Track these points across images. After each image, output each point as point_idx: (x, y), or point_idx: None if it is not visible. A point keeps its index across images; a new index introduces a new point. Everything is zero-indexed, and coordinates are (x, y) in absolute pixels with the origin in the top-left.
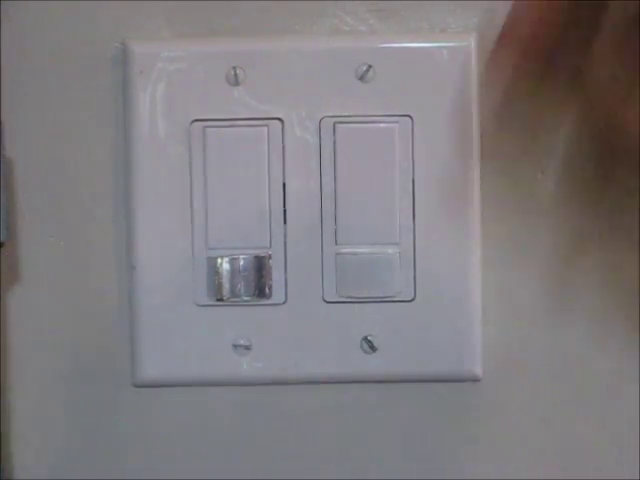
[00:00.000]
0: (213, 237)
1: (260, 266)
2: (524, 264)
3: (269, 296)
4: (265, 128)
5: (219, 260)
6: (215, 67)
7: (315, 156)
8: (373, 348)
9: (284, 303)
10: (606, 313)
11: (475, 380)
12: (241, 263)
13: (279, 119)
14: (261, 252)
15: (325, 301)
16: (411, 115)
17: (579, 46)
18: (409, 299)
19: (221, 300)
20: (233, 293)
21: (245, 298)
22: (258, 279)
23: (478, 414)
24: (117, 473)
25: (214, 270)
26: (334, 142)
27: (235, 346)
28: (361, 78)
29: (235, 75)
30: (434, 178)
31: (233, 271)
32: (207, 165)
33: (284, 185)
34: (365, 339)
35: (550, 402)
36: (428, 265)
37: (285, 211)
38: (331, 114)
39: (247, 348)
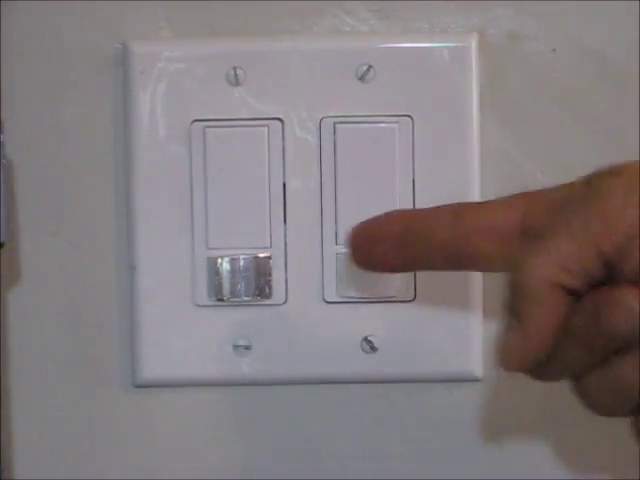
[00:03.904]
0: (213, 237)
1: (260, 266)
2: None
3: (269, 296)
4: (265, 128)
5: (219, 260)
6: (215, 67)
7: (315, 156)
8: (373, 348)
9: (284, 303)
10: None
11: (475, 380)
12: (241, 263)
13: (279, 119)
14: (261, 252)
15: (325, 301)
16: (411, 115)
17: None
18: (409, 299)
19: (221, 300)
20: (233, 293)
21: (245, 298)
22: (258, 279)
23: (478, 414)
24: (117, 473)
25: (214, 270)
26: (334, 142)
27: (235, 346)
28: (361, 78)
29: (235, 75)
30: (434, 178)
31: (233, 271)
32: (207, 165)
33: (284, 185)
34: (365, 339)
35: (550, 402)
36: None
37: (285, 211)
38: (331, 114)
39: (247, 348)
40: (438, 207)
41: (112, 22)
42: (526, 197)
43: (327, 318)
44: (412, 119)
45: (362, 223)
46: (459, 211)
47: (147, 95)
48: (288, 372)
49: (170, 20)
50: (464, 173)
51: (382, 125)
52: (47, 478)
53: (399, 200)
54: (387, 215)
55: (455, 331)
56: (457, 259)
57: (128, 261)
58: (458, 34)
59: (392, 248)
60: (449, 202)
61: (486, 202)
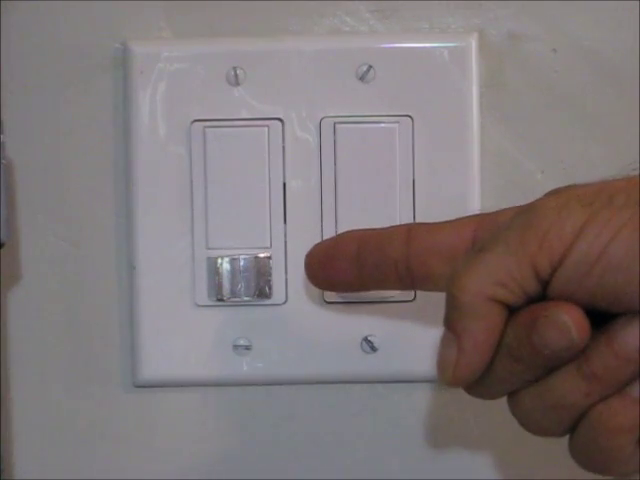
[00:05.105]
0: (213, 237)
1: (260, 266)
2: None
3: (269, 296)
4: (265, 128)
5: (219, 260)
6: (215, 67)
7: (315, 156)
8: (373, 348)
9: (284, 303)
10: None
11: None
12: (241, 263)
13: (279, 119)
14: (261, 252)
15: (325, 301)
16: (411, 115)
17: None
18: (409, 299)
19: (221, 300)
20: (233, 293)
21: (245, 298)
22: (258, 279)
23: (478, 414)
24: (117, 473)
25: (214, 270)
26: (334, 142)
27: (235, 346)
28: (361, 78)
29: (235, 75)
30: (434, 178)
31: (233, 271)
32: (207, 165)
33: (284, 185)
34: (365, 339)
35: None
36: None
37: (285, 211)
38: (331, 114)
39: (247, 348)
40: (392, 227)
41: (112, 22)
42: (478, 218)
43: (327, 318)
44: (412, 119)
45: (318, 244)
46: (412, 231)
47: (147, 95)
48: (288, 372)
49: (170, 20)
50: (464, 173)
51: (382, 125)
52: (47, 478)
53: (399, 200)
54: (342, 235)
55: None
56: (410, 279)
57: (128, 261)
58: (458, 34)
59: (347, 267)
60: (449, 202)
61: (439, 223)
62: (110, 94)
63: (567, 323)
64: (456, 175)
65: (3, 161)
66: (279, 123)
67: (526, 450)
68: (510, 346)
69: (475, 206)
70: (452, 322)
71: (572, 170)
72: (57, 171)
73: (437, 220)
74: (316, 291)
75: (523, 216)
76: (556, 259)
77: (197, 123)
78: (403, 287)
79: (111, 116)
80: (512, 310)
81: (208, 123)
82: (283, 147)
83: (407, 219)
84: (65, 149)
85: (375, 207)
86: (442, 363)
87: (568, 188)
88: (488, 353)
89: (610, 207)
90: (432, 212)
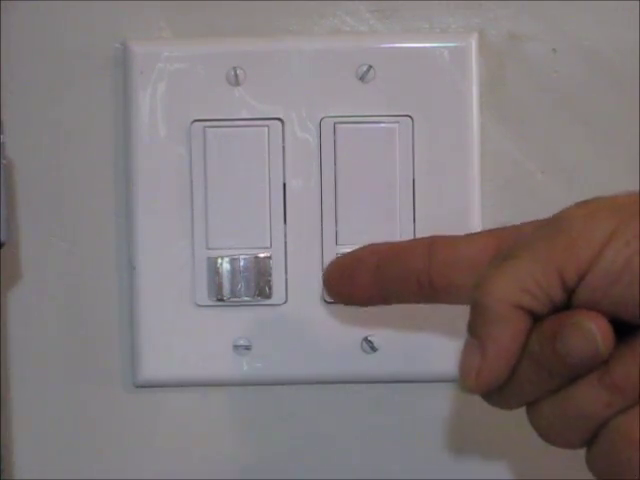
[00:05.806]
0: (213, 237)
1: (260, 266)
2: None
3: (269, 296)
4: (265, 128)
5: (219, 260)
6: (215, 67)
7: (315, 156)
8: (373, 348)
9: (284, 303)
10: None
11: None
12: (241, 263)
13: (279, 119)
14: (261, 252)
15: (325, 301)
16: (411, 115)
17: None
18: None
19: (221, 300)
20: (233, 293)
21: (245, 298)
22: (258, 279)
23: (478, 414)
24: (117, 473)
25: (214, 270)
26: (334, 142)
27: (235, 346)
28: (361, 78)
29: (235, 75)
30: (434, 178)
31: (233, 271)
32: (207, 165)
33: (284, 185)
34: (365, 339)
35: None
36: None
37: (285, 211)
38: (331, 114)
39: (247, 348)
40: (413, 240)
41: (112, 22)
42: (501, 231)
43: (327, 318)
44: (412, 119)
45: (336, 259)
46: (434, 244)
47: (147, 95)
48: (288, 372)
49: (170, 20)
50: (464, 173)
51: (382, 125)
52: (47, 478)
53: (399, 200)
54: (361, 249)
55: (455, 331)
56: (432, 291)
57: (128, 261)
58: (458, 34)
59: (367, 281)
60: (449, 202)
61: (461, 235)
62: (110, 94)
63: (592, 331)
64: (456, 175)
65: (3, 161)
66: (279, 123)
67: (527, 450)
68: (534, 354)
69: (475, 206)
70: (476, 328)
71: (572, 170)
72: (57, 171)
73: (437, 220)
74: (316, 291)
75: (551, 225)
76: (583, 267)
77: (197, 123)
78: (424, 300)
79: (111, 116)
80: (536, 318)
81: (208, 123)
82: (283, 147)
83: (407, 219)
84: (65, 149)
85: (375, 207)
86: (465, 369)
87: (595, 199)
88: (512, 360)
89: (638, 217)
90: (432, 212)
